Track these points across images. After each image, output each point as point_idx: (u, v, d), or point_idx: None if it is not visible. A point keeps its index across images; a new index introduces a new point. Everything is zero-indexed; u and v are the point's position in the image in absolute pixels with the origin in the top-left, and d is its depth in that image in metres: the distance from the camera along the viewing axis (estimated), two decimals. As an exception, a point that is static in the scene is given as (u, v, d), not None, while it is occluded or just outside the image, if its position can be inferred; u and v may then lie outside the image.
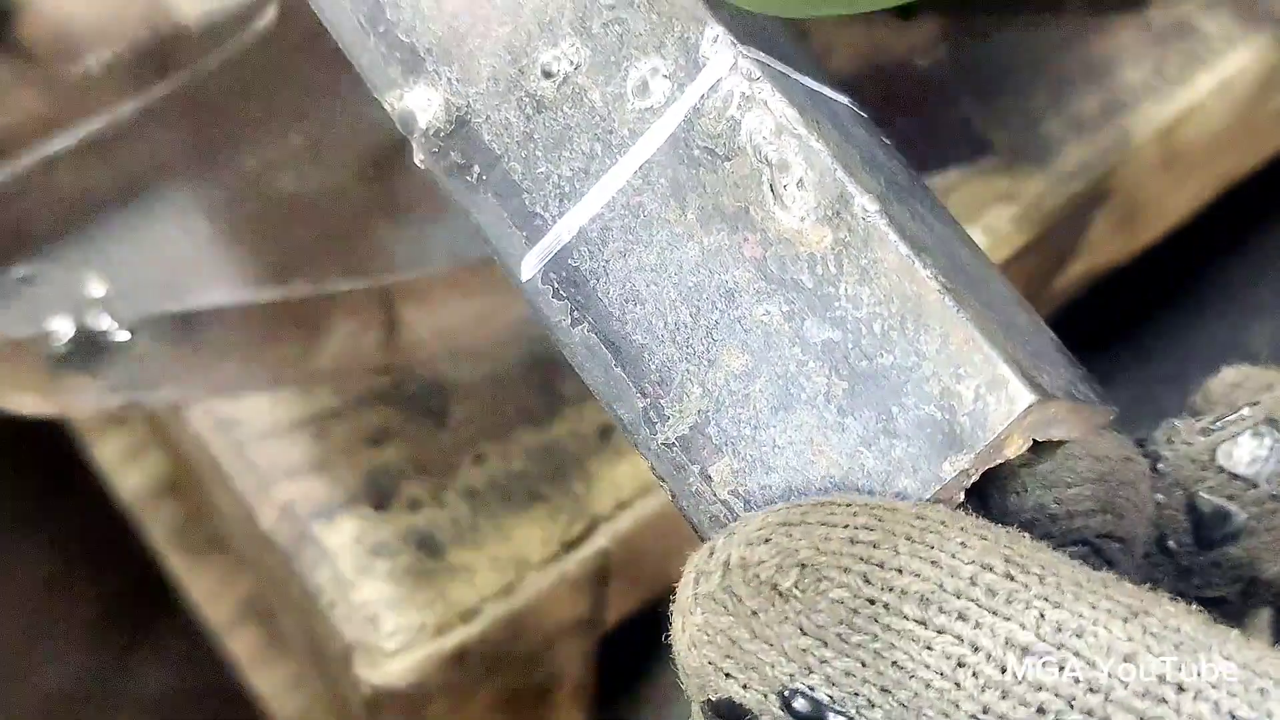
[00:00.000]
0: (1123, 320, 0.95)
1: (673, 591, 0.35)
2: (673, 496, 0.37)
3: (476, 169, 0.39)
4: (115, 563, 0.91)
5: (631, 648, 0.76)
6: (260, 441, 0.64)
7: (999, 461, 0.34)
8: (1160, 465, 0.37)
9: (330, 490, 0.63)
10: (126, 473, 0.85)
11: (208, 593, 0.84)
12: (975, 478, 0.34)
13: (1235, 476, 0.36)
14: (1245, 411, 0.36)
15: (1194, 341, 0.95)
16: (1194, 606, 0.31)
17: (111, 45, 0.62)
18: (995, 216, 0.69)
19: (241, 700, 0.83)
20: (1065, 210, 0.72)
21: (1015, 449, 0.34)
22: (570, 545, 0.64)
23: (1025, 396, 0.33)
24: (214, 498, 0.69)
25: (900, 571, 0.31)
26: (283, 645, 0.81)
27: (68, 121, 0.62)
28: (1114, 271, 0.84)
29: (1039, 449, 0.35)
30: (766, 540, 0.32)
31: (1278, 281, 0.97)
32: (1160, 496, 0.36)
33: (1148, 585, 0.31)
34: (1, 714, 0.91)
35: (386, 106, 0.40)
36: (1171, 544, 0.36)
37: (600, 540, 0.64)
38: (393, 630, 0.61)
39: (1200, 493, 0.36)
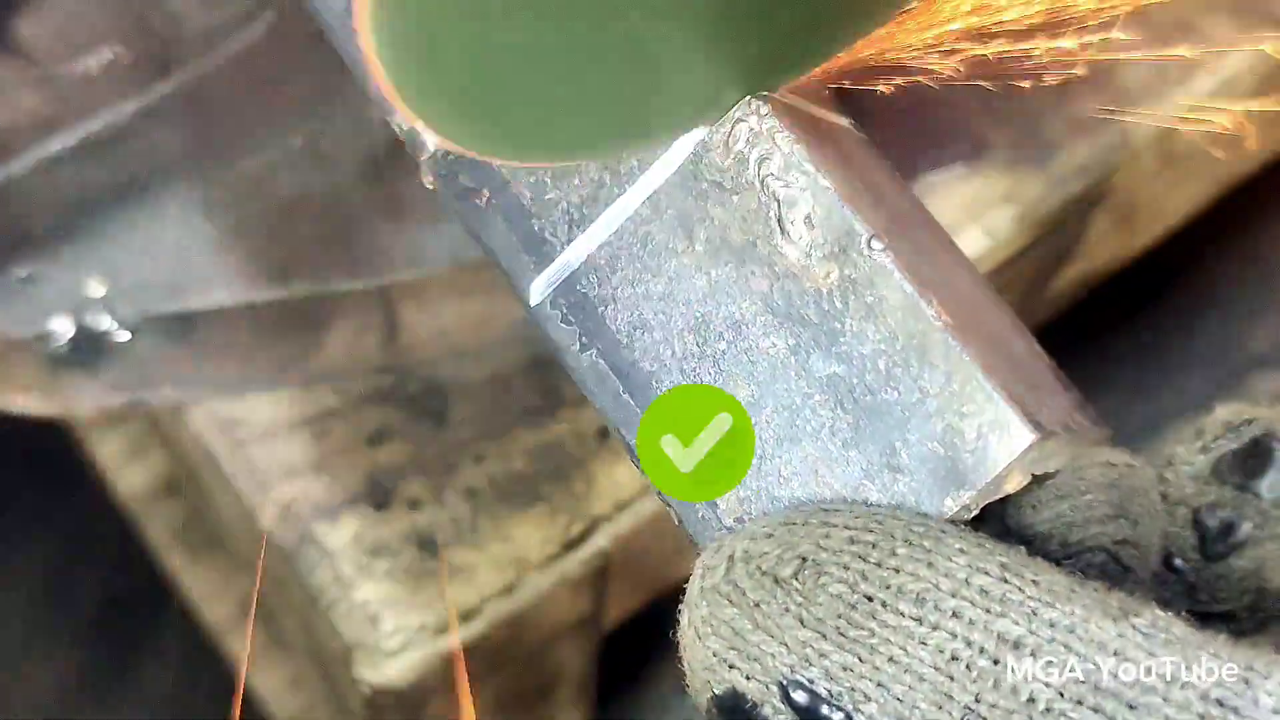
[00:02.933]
0: (1122, 320, 0.95)
1: (673, 591, 0.35)
2: (679, 522, 0.37)
3: (486, 193, 0.39)
4: (115, 563, 0.91)
5: (631, 648, 0.76)
6: (260, 441, 0.65)
7: (999, 497, 0.34)
8: (1161, 488, 0.37)
9: (330, 490, 0.63)
10: (126, 473, 0.85)
11: (208, 593, 0.84)
12: (975, 512, 0.34)
13: (1239, 488, 0.36)
14: (1243, 428, 0.37)
15: (1194, 341, 0.95)
16: (1184, 615, 0.31)
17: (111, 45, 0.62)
18: (995, 217, 0.70)
19: (242, 700, 0.83)
20: (1065, 211, 0.72)
21: (1015, 484, 0.34)
22: (570, 545, 0.64)
23: (1026, 436, 0.33)
24: (214, 498, 0.69)
25: (897, 571, 0.31)
26: (283, 645, 0.81)
27: (68, 121, 0.62)
28: (1113, 272, 0.84)
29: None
30: (769, 535, 0.33)
31: (1277, 282, 0.97)
32: (1164, 517, 0.37)
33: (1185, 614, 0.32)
34: (2, 712, 0.91)
35: (395, 128, 0.40)
36: (1178, 562, 0.37)
37: (600, 540, 0.64)
38: (393, 630, 0.61)
39: (1204, 507, 0.36)
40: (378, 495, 0.64)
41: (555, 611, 0.65)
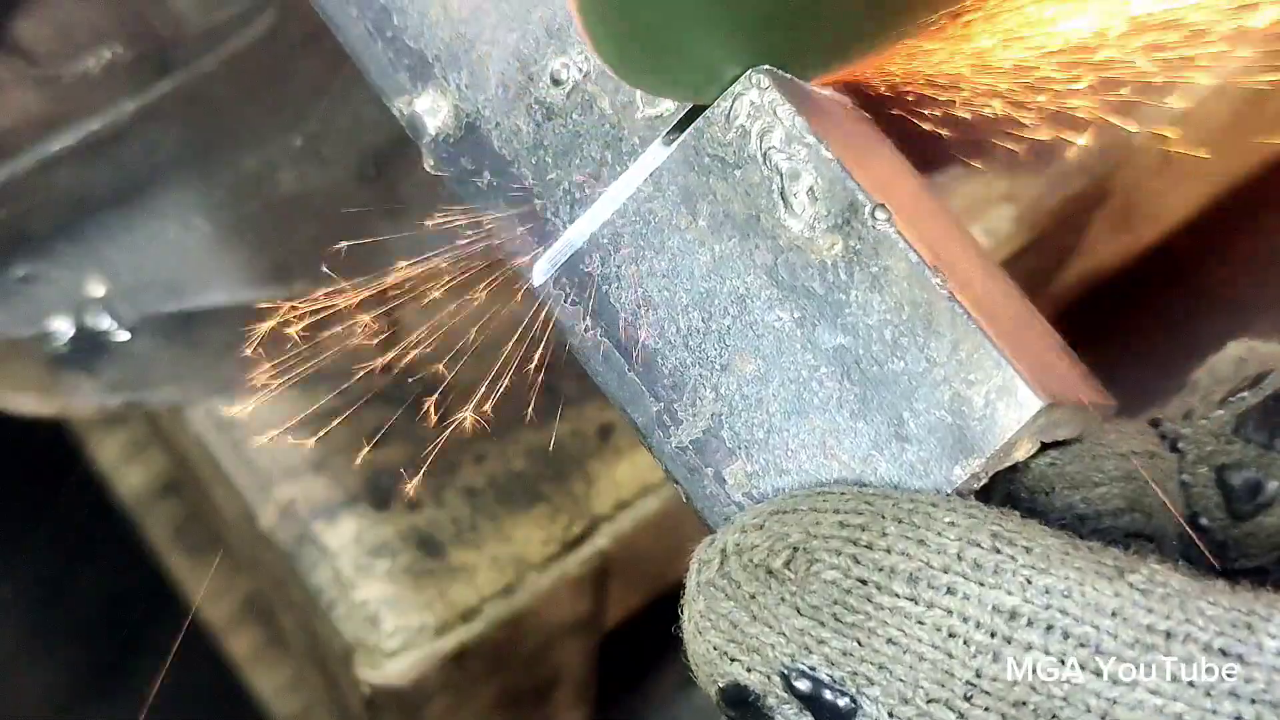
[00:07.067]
0: (1122, 320, 0.95)
1: (674, 591, 0.35)
2: (687, 498, 0.37)
3: (487, 175, 0.39)
4: (115, 563, 0.91)
5: (631, 648, 0.76)
6: (260, 442, 0.64)
7: (1008, 464, 0.34)
8: (1181, 445, 0.37)
9: (330, 490, 0.63)
10: (126, 473, 0.85)
11: (208, 593, 0.84)
12: (985, 480, 0.34)
13: (1264, 446, 0.36)
14: (1265, 382, 0.36)
15: (1194, 341, 0.95)
16: (1181, 563, 0.31)
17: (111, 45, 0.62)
18: (995, 216, 0.69)
19: (242, 700, 0.83)
20: (1065, 210, 0.72)
21: (1024, 452, 0.34)
22: (570, 545, 0.64)
23: (1034, 403, 0.33)
24: (214, 498, 0.69)
25: (889, 551, 0.32)
26: (283, 645, 0.81)
27: (68, 121, 0.62)
28: (1113, 272, 0.84)
29: (1060, 445, 0.35)
30: (760, 527, 0.33)
31: (1278, 281, 0.97)
32: (1186, 476, 0.36)
33: (1182, 563, 0.32)
34: (2, 712, 0.91)
35: (395, 112, 0.40)
36: (1204, 521, 0.36)
37: (600, 540, 0.64)
38: (393, 630, 0.61)
39: (1227, 466, 0.36)
40: (378, 495, 0.64)
41: (555, 611, 0.65)
